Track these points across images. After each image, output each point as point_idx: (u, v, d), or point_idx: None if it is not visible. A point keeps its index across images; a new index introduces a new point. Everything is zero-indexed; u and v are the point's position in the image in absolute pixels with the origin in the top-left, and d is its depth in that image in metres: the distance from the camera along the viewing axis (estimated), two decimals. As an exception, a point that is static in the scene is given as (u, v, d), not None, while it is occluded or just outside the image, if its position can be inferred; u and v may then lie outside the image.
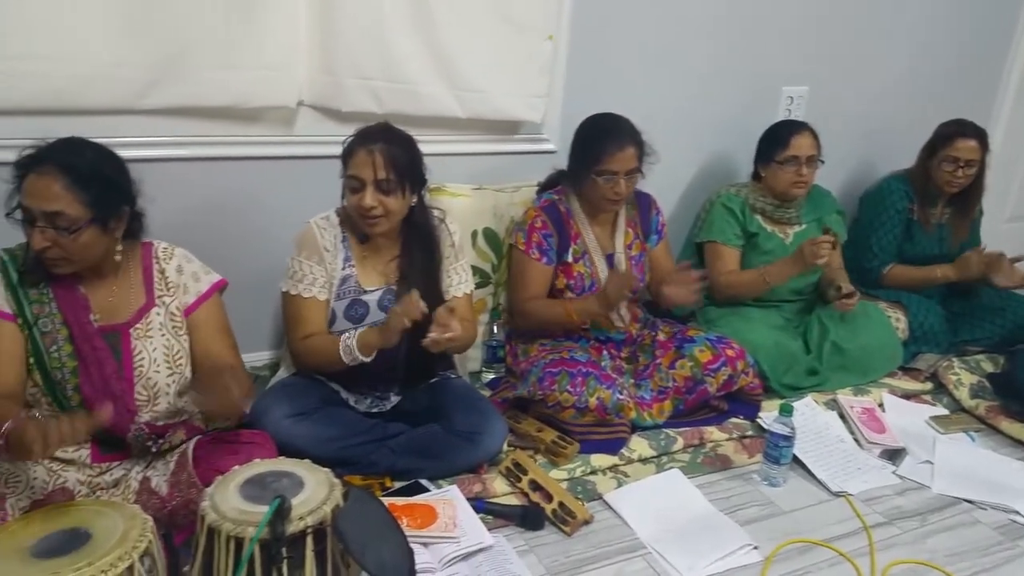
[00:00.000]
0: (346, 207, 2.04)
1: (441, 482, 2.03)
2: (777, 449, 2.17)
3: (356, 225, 2.04)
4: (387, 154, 1.93)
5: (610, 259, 2.43)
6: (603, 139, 2.29)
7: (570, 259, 2.39)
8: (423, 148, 2.04)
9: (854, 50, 3.19)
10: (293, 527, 1.38)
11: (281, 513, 1.35)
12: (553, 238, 2.37)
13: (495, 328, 2.59)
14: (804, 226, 2.82)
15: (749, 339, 2.51)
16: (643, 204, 2.54)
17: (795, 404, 2.32)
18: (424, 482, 2.02)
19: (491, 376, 2.58)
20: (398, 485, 2.00)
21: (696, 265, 2.82)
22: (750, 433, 2.39)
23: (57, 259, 1.62)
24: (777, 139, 2.73)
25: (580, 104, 2.66)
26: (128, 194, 1.69)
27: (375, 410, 2.15)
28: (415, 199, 2.03)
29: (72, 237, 1.59)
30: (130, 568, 1.33)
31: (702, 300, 2.64)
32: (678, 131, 2.61)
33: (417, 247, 2.09)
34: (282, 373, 2.14)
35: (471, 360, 2.54)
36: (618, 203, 2.37)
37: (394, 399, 2.18)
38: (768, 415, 2.41)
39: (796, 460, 2.25)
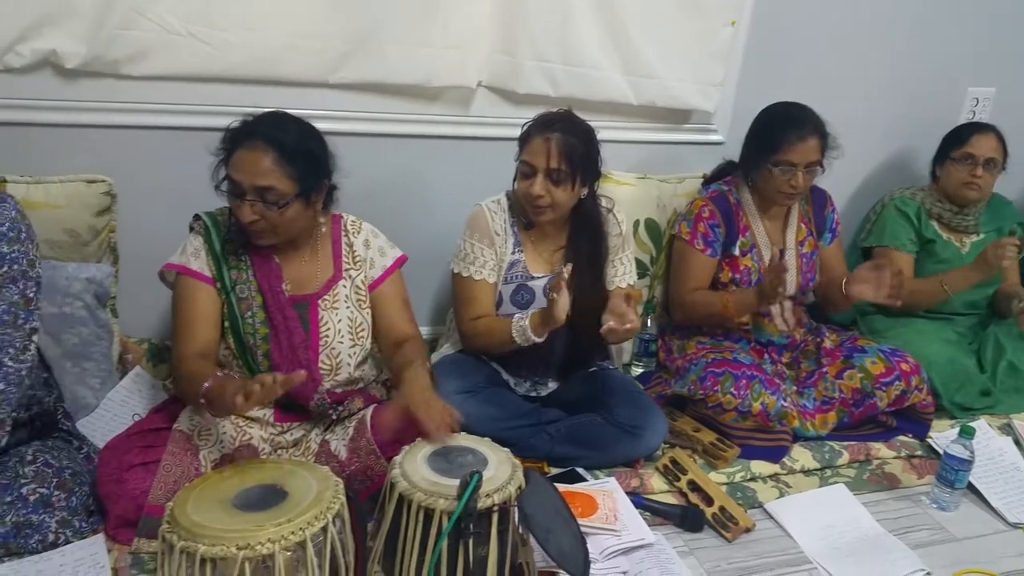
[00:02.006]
0: (516, 191, 2.03)
1: (598, 472, 2.01)
2: (953, 472, 2.04)
3: (523, 210, 2.03)
4: (563, 144, 1.90)
5: (780, 255, 2.34)
6: (785, 127, 2.19)
7: (737, 252, 2.31)
8: (590, 133, 2.00)
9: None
10: (481, 504, 1.38)
11: (476, 489, 1.35)
12: (720, 229, 2.30)
13: (648, 321, 2.54)
14: (982, 236, 2.66)
15: (921, 353, 2.36)
16: (818, 200, 2.43)
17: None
18: (580, 471, 2.00)
19: (641, 370, 2.54)
20: (555, 471, 2.00)
21: None
22: (919, 453, 2.26)
23: (263, 231, 1.67)
24: (956, 135, 2.59)
25: (753, 94, 2.57)
26: (328, 168, 1.73)
27: (532, 394, 2.15)
28: (585, 191, 2.01)
29: (280, 211, 1.64)
30: (324, 529, 1.36)
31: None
32: (852, 128, 2.46)
33: (584, 237, 2.06)
34: (447, 349, 2.16)
35: (622, 351, 2.50)
36: (793, 197, 2.27)
37: (552, 385, 2.17)
38: (939, 435, 2.28)
39: (968, 485, 2.11)
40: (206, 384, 1.52)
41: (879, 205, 2.72)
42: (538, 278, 2.07)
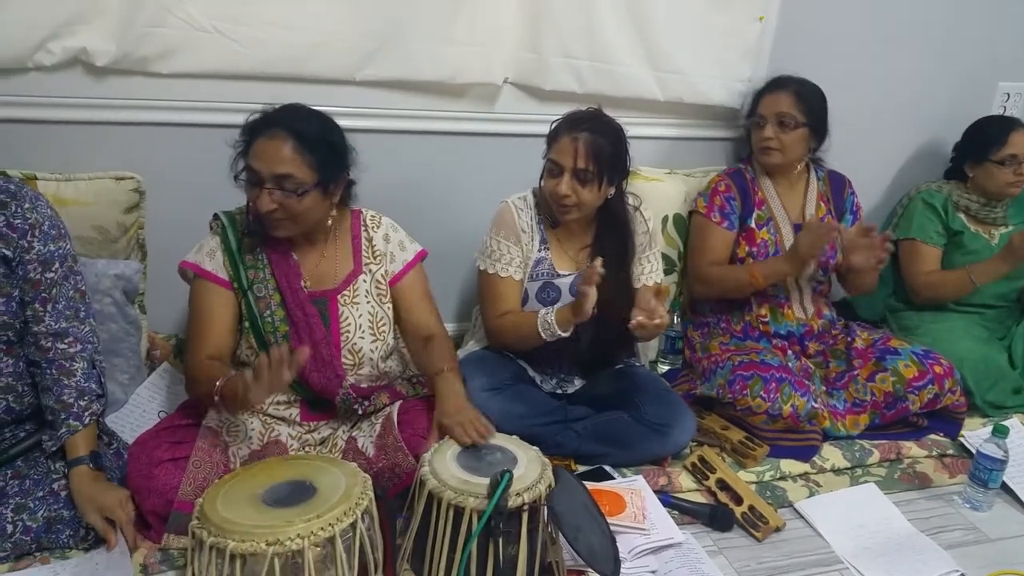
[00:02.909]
0: (542, 189, 2.02)
1: (625, 471, 1.99)
2: (987, 472, 2.00)
3: (549, 209, 2.02)
4: (591, 144, 1.88)
5: (798, 229, 2.32)
6: (763, 85, 2.36)
7: (753, 225, 2.33)
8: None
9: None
10: (511, 503, 1.37)
11: (507, 488, 1.34)
12: (736, 202, 2.33)
13: (675, 318, 2.52)
14: (1011, 228, 2.62)
15: (953, 351, 2.34)
16: (836, 182, 2.44)
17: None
18: (608, 469, 1.99)
19: (667, 367, 2.51)
20: (582, 469, 1.98)
21: (889, 266, 2.65)
22: (951, 452, 2.22)
23: (280, 221, 1.67)
24: (991, 136, 2.54)
25: (780, 90, 2.54)
26: (346, 161, 1.73)
27: (559, 392, 2.14)
28: (612, 190, 1.98)
29: (298, 200, 1.63)
30: (353, 525, 1.36)
31: (878, 277, 2.42)
32: (882, 122, 2.44)
33: (610, 236, 2.04)
34: (472, 346, 2.16)
35: (648, 349, 2.49)
36: (767, 152, 2.29)
37: (578, 383, 2.16)
38: (970, 433, 2.25)
39: (1002, 485, 2.06)
40: (218, 382, 1.53)
41: (905, 199, 2.70)
42: (564, 276, 2.06)
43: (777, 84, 2.32)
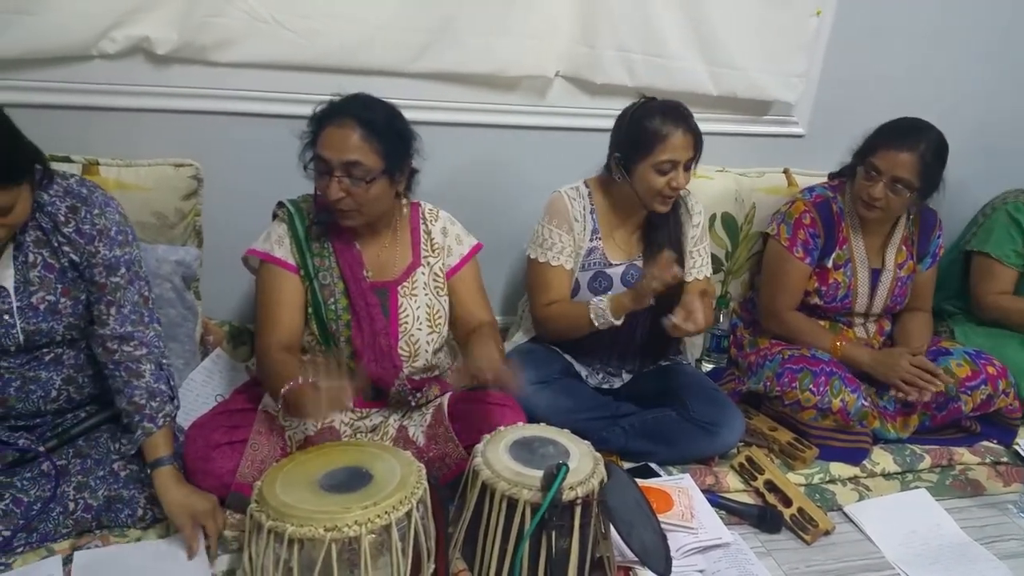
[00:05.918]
0: (646, 186, 1.93)
1: (671, 468, 1.98)
2: (1043, 482, 1.97)
3: (613, 208, 2.00)
4: (693, 130, 1.90)
5: (876, 274, 2.23)
6: (888, 131, 2.10)
7: (830, 264, 2.21)
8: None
9: None
10: (565, 496, 1.38)
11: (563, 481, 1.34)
12: (820, 239, 2.20)
13: (720, 317, 2.49)
14: None
15: (1008, 356, 2.27)
16: (927, 222, 2.29)
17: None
18: (654, 466, 1.98)
19: (712, 366, 2.49)
20: (628, 466, 1.98)
21: (960, 276, 2.57)
22: (1005, 460, 2.17)
23: (349, 210, 1.67)
24: None
25: (836, 86, 2.53)
26: (411, 148, 1.74)
27: (605, 387, 2.13)
28: None
29: (366, 187, 1.64)
30: (408, 514, 1.37)
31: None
32: (943, 125, 2.35)
33: (659, 224, 2.03)
34: (519, 338, 2.16)
35: (694, 347, 2.47)
36: (869, 208, 2.12)
37: (625, 376, 2.15)
38: (1027, 442, 2.20)
39: (1058, 495, 2.03)
40: (287, 386, 1.53)
41: (990, 208, 2.55)
42: (616, 265, 2.04)
43: (906, 139, 2.05)
